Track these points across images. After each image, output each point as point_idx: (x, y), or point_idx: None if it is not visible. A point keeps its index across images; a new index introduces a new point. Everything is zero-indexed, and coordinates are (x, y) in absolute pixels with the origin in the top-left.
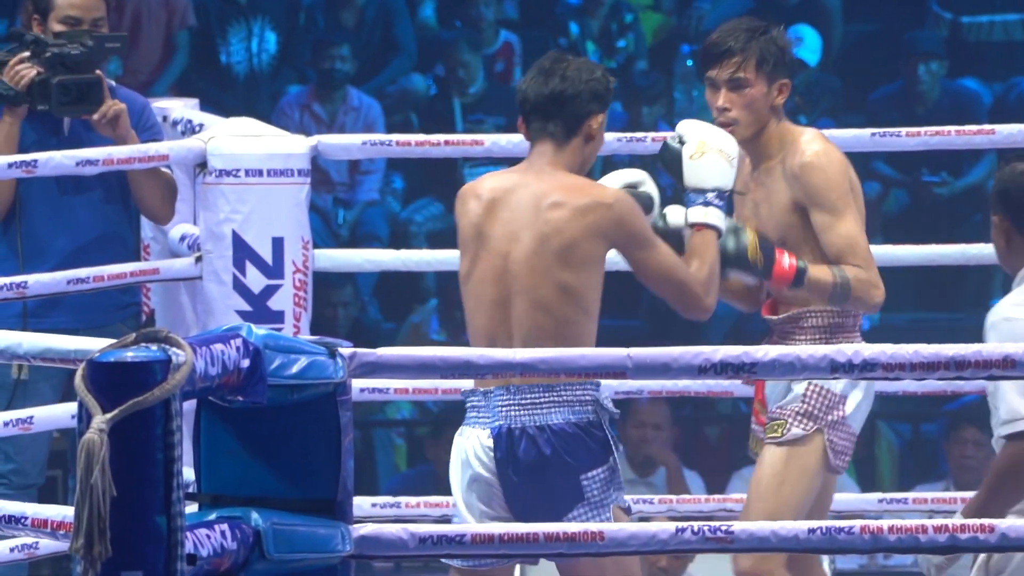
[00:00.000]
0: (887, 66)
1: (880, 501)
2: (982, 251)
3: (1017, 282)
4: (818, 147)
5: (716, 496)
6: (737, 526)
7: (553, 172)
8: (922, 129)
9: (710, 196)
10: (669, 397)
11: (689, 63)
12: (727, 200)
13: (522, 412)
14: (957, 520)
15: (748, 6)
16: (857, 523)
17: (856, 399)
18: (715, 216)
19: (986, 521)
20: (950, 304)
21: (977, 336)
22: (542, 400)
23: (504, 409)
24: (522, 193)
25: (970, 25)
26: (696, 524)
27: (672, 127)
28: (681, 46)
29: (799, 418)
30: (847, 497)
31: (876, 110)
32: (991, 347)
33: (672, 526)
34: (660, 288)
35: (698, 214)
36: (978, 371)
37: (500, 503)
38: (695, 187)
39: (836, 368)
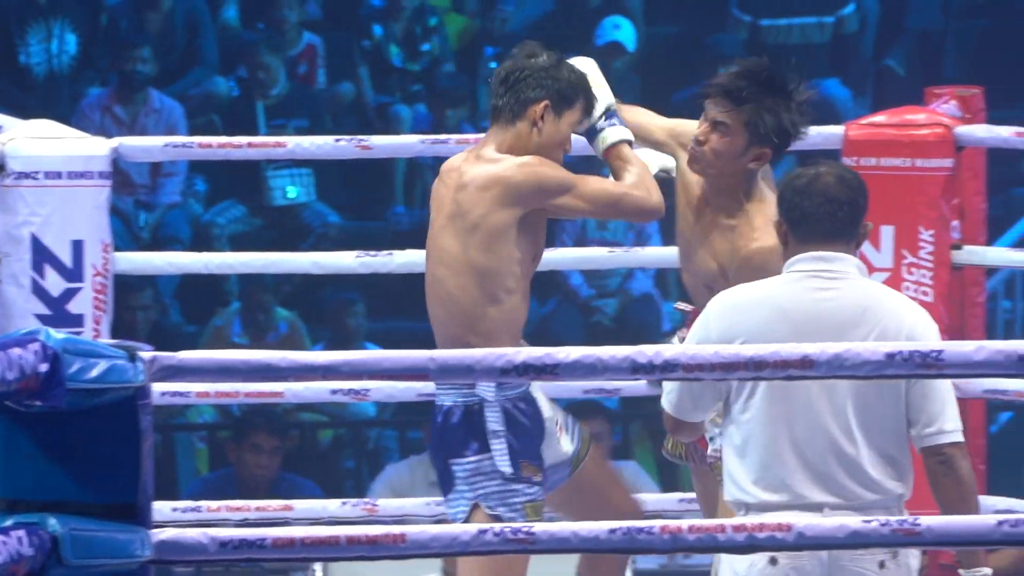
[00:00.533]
0: (688, 69)
1: (680, 501)
2: None
3: None
4: (764, 245)
5: None
6: (538, 527)
7: (486, 152)
8: None
9: (601, 122)
10: None
11: (493, 65)
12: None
13: (439, 389)
14: (755, 519)
15: (550, 8)
16: (657, 523)
17: None
18: (617, 132)
19: (783, 520)
20: None
21: None
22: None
23: (438, 386)
24: (450, 176)
25: (769, 28)
26: (497, 525)
27: (477, 129)
28: (485, 48)
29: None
30: (648, 497)
31: (680, 112)
32: (789, 347)
33: (474, 528)
34: (606, 213)
35: (604, 139)
36: (776, 371)
37: None
38: None
39: (637, 369)
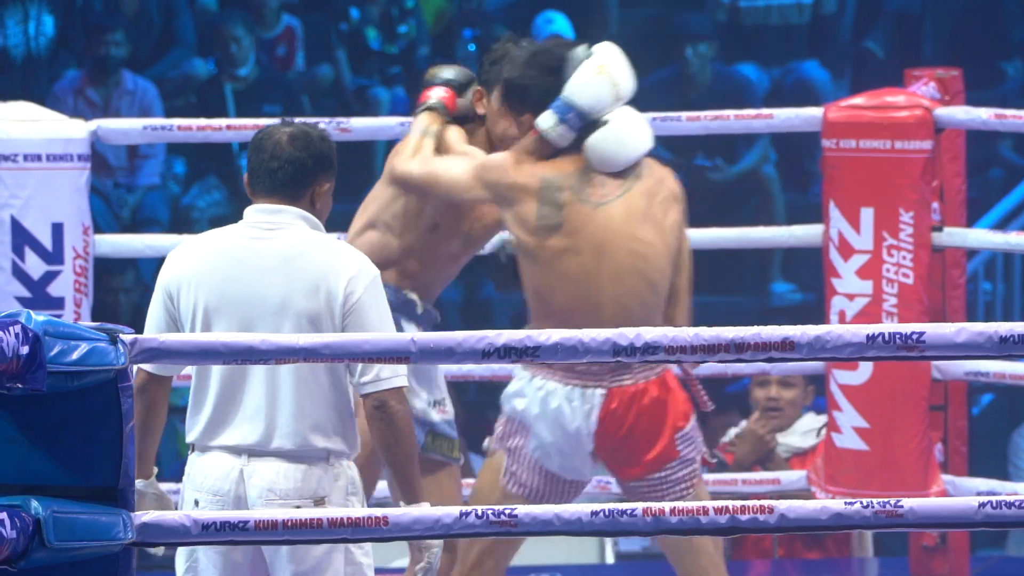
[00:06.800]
0: (663, 50)
1: None
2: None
3: None
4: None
5: None
6: (521, 510)
7: None
8: (702, 113)
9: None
10: (453, 381)
11: (472, 47)
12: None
13: None
14: (737, 502)
15: None
16: (639, 505)
17: (540, 439)
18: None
19: (767, 503)
20: (730, 287)
21: (756, 319)
22: None
23: None
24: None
25: (748, 9)
26: (480, 508)
27: None
28: (463, 31)
29: (494, 438)
30: None
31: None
32: (770, 330)
33: (456, 510)
34: None
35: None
36: (757, 353)
37: None
38: None
39: (618, 351)
